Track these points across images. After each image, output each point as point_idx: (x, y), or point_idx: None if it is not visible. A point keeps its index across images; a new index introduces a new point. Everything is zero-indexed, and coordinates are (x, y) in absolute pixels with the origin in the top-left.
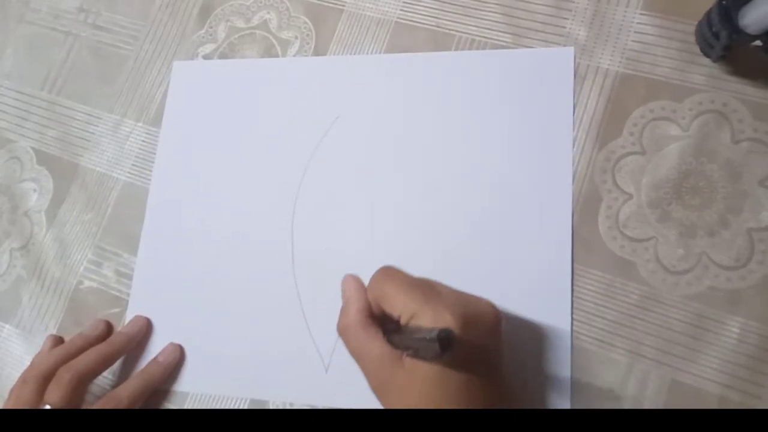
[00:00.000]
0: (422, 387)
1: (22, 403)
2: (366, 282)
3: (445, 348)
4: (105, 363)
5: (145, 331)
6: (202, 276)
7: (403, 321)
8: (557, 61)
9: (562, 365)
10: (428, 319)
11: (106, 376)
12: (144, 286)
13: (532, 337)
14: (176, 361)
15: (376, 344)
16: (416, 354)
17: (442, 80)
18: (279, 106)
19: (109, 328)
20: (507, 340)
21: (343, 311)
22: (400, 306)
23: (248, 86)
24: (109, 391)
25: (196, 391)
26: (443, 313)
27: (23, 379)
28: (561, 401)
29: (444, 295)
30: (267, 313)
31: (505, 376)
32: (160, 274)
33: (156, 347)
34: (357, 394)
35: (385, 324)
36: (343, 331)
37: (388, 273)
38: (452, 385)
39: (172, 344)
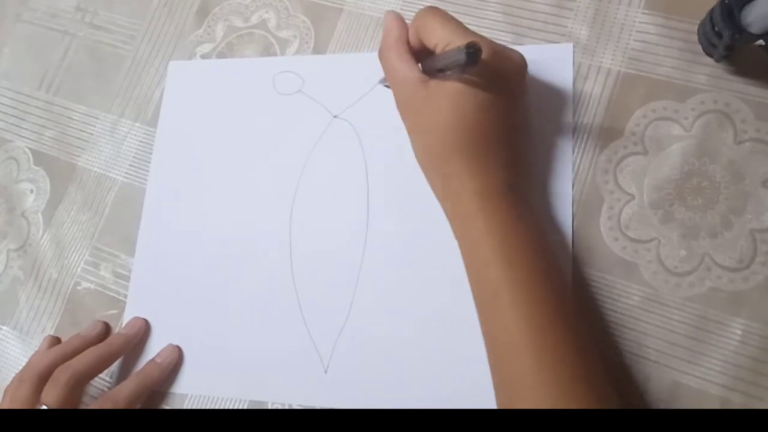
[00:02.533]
0: (442, 101)
1: (19, 403)
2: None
3: (471, 58)
4: (102, 364)
5: (143, 332)
6: (200, 277)
7: (438, 51)
8: (557, 57)
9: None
10: (462, 42)
11: (104, 378)
12: (141, 288)
13: None
14: (174, 363)
15: (407, 66)
16: (444, 73)
17: None
18: (276, 106)
19: (106, 329)
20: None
21: (384, 38)
22: (438, 36)
23: (244, 86)
24: (106, 392)
25: (194, 392)
26: (477, 40)
27: (19, 378)
28: None
29: (479, 35)
30: (265, 313)
31: (523, 119)
32: (157, 276)
33: (154, 349)
34: (357, 395)
35: (421, 56)
36: (382, 54)
37: (433, 9)
38: (469, 101)
39: (170, 345)
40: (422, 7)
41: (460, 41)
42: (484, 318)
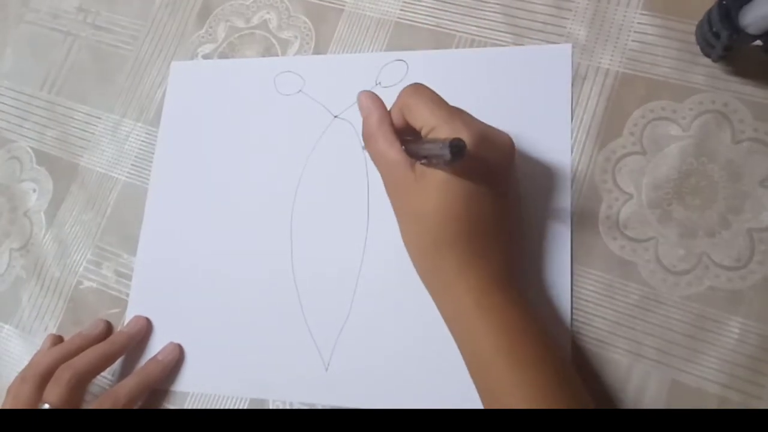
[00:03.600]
0: (428, 189)
1: (21, 402)
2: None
3: (456, 155)
4: (104, 362)
5: (144, 330)
6: (202, 276)
7: (423, 133)
8: (555, 58)
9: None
10: (446, 133)
11: (106, 376)
12: (143, 286)
13: None
14: (175, 360)
15: (394, 150)
16: (429, 162)
17: (439, 78)
18: (277, 106)
19: (108, 328)
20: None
21: (365, 120)
22: (423, 119)
23: (246, 86)
24: (107, 390)
25: (195, 390)
26: (461, 130)
27: (22, 377)
28: None
29: (465, 116)
30: (266, 311)
31: (511, 200)
32: (159, 275)
33: (156, 347)
34: (357, 393)
35: (405, 135)
36: (365, 139)
37: (418, 88)
38: (457, 192)
39: (171, 343)
40: (407, 85)
41: (445, 127)
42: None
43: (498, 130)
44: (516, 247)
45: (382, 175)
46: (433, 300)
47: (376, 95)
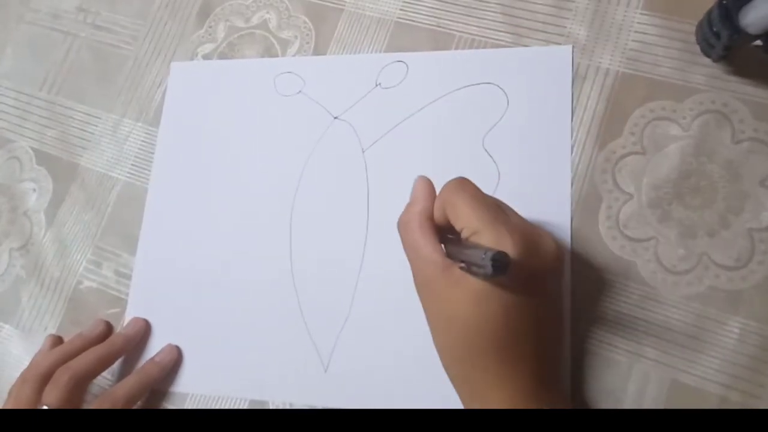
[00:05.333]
0: (465, 298)
1: (21, 404)
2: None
3: (498, 271)
4: (103, 364)
5: (143, 332)
6: (202, 276)
7: (464, 235)
8: (555, 59)
9: (562, 365)
10: (489, 239)
11: (105, 377)
12: (143, 287)
13: None
14: (173, 362)
15: (429, 245)
16: (468, 268)
17: (440, 79)
18: (277, 107)
19: (108, 329)
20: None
21: (408, 208)
22: (465, 220)
23: (246, 86)
24: (105, 390)
25: (195, 391)
26: (505, 238)
27: (22, 378)
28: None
29: (510, 220)
30: (266, 312)
31: (555, 308)
32: (159, 275)
33: (155, 347)
34: (357, 394)
35: (444, 233)
36: (402, 225)
37: (462, 185)
38: (495, 304)
39: (169, 345)
40: (452, 179)
41: (488, 233)
42: None
43: (544, 233)
44: (556, 349)
45: (412, 267)
46: (463, 404)
47: (432, 186)
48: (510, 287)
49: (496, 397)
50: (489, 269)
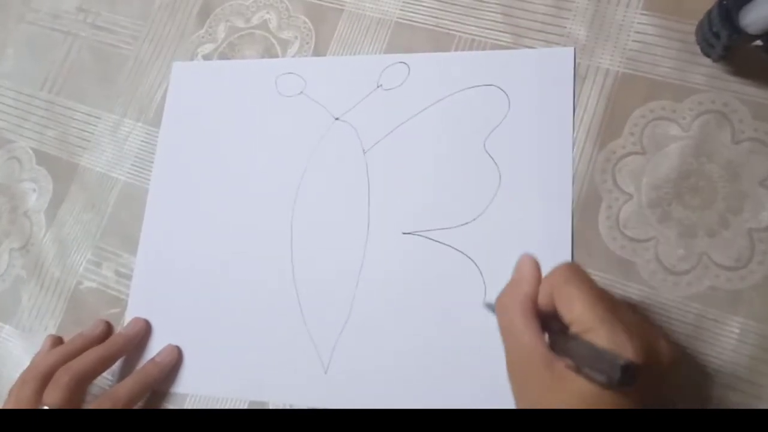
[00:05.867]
0: (570, 399)
1: (21, 404)
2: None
3: (625, 381)
4: (104, 364)
5: (144, 332)
6: (202, 276)
7: (574, 329)
8: (557, 62)
9: None
10: (604, 340)
11: (106, 377)
12: (143, 287)
13: None
14: (174, 362)
15: (531, 332)
16: (579, 369)
17: (441, 81)
18: (278, 108)
19: (108, 329)
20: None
21: (510, 288)
22: (578, 314)
23: (247, 87)
24: (106, 390)
25: (195, 392)
26: (624, 342)
27: (23, 379)
28: None
29: (626, 319)
30: (266, 313)
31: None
32: (159, 275)
33: (156, 348)
34: (357, 395)
35: (548, 321)
36: (501, 307)
37: (576, 273)
38: (604, 407)
39: (169, 345)
40: (564, 263)
41: (605, 333)
42: None
43: (659, 334)
44: None
45: (507, 353)
46: None
47: (538, 265)
48: (622, 393)
49: None
50: (616, 378)
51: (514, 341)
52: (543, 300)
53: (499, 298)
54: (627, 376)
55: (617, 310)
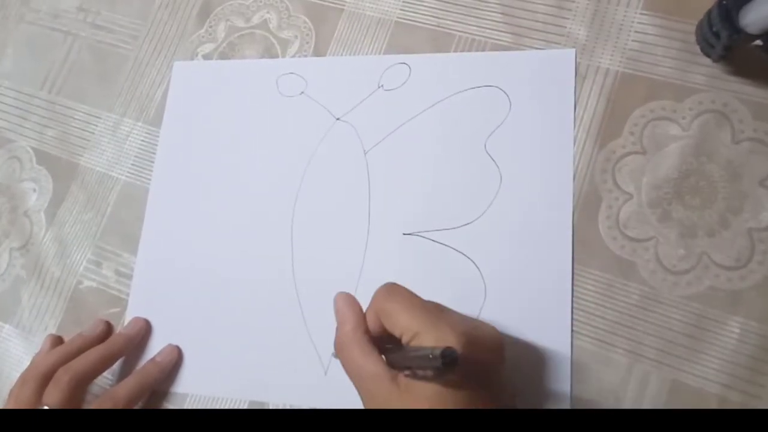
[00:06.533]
0: (418, 404)
1: (21, 404)
2: (360, 299)
3: (448, 367)
4: (104, 364)
5: (144, 332)
6: (202, 277)
7: (404, 340)
8: (559, 63)
9: (562, 365)
10: (431, 339)
11: (106, 377)
12: (144, 287)
13: (532, 337)
14: (174, 362)
15: (371, 361)
16: (415, 374)
17: (442, 82)
18: (279, 108)
19: (108, 328)
20: (508, 353)
21: (339, 331)
22: (403, 325)
23: (248, 87)
24: (106, 390)
25: (195, 392)
26: (447, 335)
27: (23, 379)
28: (561, 401)
29: (448, 317)
30: (266, 314)
31: (505, 399)
32: (159, 275)
33: (156, 348)
34: (356, 397)
35: (384, 343)
36: (339, 349)
37: (393, 290)
38: (449, 404)
39: (169, 345)
40: (380, 287)
41: (430, 333)
42: None
43: (483, 324)
44: None
45: (358, 389)
46: None
47: (353, 299)
48: (461, 385)
49: None
50: (439, 366)
51: (358, 377)
52: (374, 326)
53: (335, 341)
54: (448, 361)
55: (439, 313)
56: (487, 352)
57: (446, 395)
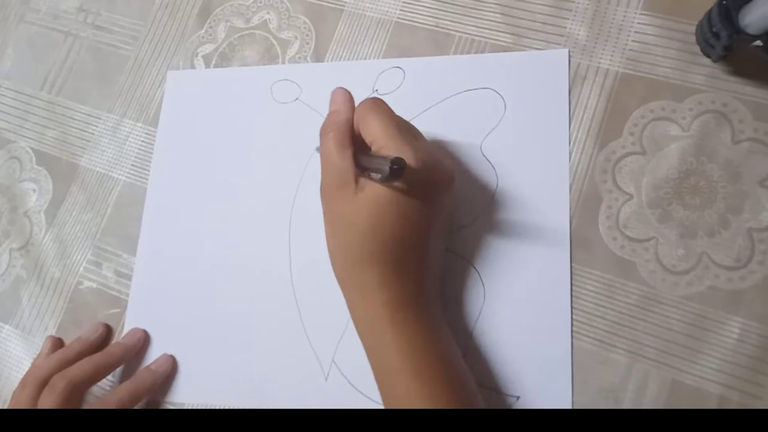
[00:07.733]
0: (364, 203)
1: (19, 408)
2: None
3: (393, 174)
4: (101, 373)
5: (142, 342)
6: (201, 284)
7: (373, 149)
8: (552, 63)
9: (562, 365)
10: (392, 152)
11: (109, 379)
12: (143, 287)
13: (532, 338)
14: (168, 371)
15: (342, 154)
16: (370, 176)
17: (436, 84)
18: (274, 114)
19: (108, 332)
20: (509, 353)
21: (329, 118)
22: (375, 134)
23: (242, 94)
24: (99, 398)
25: (193, 401)
26: (406, 151)
27: (23, 383)
28: (561, 401)
29: (415, 140)
30: (266, 320)
31: (440, 230)
32: (159, 276)
33: (154, 355)
34: (357, 403)
35: (360, 146)
36: (322, 135)
37: (376, 103)
38: (392, 210)
39: (165, 355)
40: (366, 98)
41: (392, 146)
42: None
43: (443, 157)
44: (435, 269)
45: (323, 174)
46: (349, 308)
47: (352, 96)
48: (408, 194)
49: (379, 299)
50: (386, 171)
51: (329, 164)
52: (356, 128)
53: (321, 128)
54: (395, 169)
55: (408, 135)
56: (436, 179)
57: (389, 199)
